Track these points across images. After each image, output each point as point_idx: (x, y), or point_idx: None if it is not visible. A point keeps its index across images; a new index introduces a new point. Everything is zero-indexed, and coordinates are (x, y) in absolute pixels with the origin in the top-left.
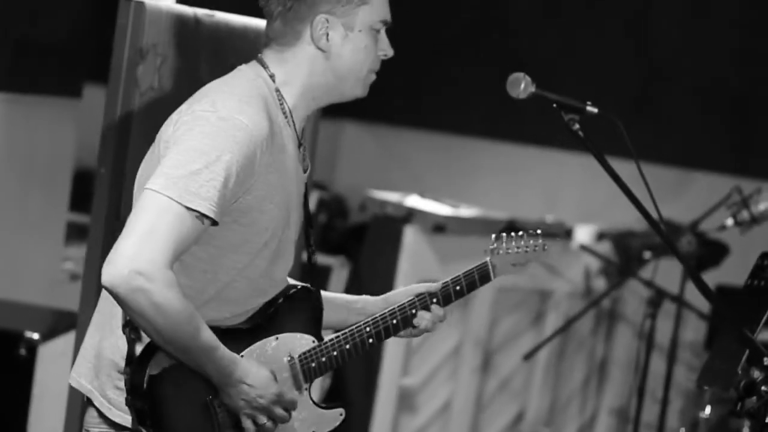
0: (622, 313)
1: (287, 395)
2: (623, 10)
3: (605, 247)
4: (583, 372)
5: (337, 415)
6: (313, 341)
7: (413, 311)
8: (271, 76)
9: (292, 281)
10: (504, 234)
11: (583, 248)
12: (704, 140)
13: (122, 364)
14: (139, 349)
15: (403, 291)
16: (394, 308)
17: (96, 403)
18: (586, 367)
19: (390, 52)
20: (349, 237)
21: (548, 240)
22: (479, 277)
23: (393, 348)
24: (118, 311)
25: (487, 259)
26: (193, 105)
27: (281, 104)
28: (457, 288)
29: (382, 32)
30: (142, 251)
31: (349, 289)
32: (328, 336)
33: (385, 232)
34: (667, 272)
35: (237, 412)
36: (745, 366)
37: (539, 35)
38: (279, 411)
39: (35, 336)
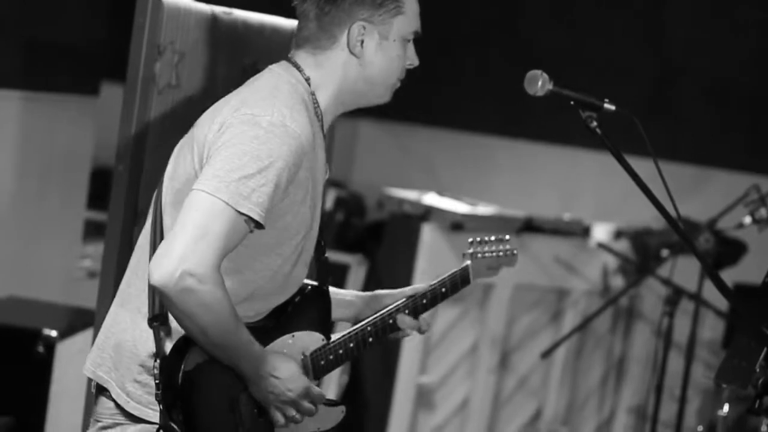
0: (639, 311)
1: (314, 389)
2: (638, 8)
3: (623, 245)
4: (601, 370)
5: (339, 412)
6: (323, 339)
7: (406, 311)
8: (307, 80)
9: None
10: (479, 238)
11: (601, 246)
12: (721, 138)
13: (144, 358)
14: (168, 344)
15: (398, 291)
16: (391, 309)
17: (113, 394)
18: (604, 366)
19: (416, 62)
20: (367, 235)
21: (515, 245)
22: (461, 280)
23: (410, 346)
24: (143, 305)
25: (468, 263)
26: (242, 107)
27: (316, 108)
28: (443, 290)
29: (411, 44)
30: (193, 252)
31: (367, 287)
32: (335, 335)
33: (403, 230)
34: (685, 270)
35: (266, 405)
36: (763, 364)
37: (555, 34)
38: (306, 404)
39: (53, 333)
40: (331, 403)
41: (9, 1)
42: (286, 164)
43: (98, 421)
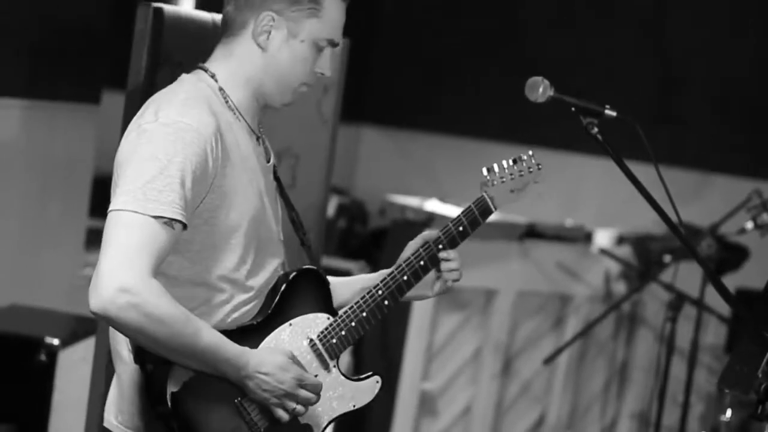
0: (642, 316)
1: (308, 377)
2: (640, 14)
3: (625, 251)
4: (604, 376)
5: (374, 383)
6: (328, 318)
7: (421, 263)
8: (213, 76)
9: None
10: (495, 165)
11: (603, 252)
12: (723, 143)
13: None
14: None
15: (404, 252)
16: (401, 265)
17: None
18: (607, 371)
19: (328, 74)
20: (369, 242)
21: (538, 159)
22: (480, 212)
23: (413, 352)
24: (123, 340)
25: (483, 193)
26: (137, 120)
27: (226, 101)
28: (460, 228)
29: (327, 51)
30: (120, 268)
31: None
32: (342, 310)
33: (406, 236)
34: (687, 276)
35: (265, 405)
36: (766, 369)
37: (556, 40)
38: (304, 393)
39: (55, 342)
40: (362, 378)
41: (11, 9)
42: (186, 157)
43: None
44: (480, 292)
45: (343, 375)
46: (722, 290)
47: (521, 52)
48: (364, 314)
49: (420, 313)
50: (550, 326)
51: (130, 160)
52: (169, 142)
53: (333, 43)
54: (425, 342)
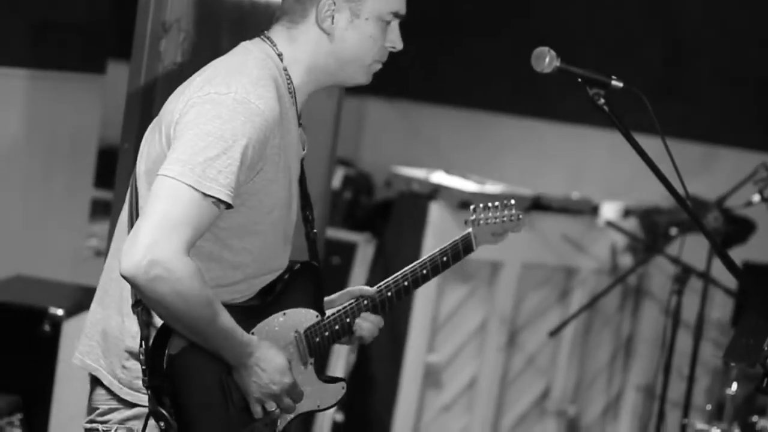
0: (648, 289)
1: (298, 386)
2: None
3: (631, 224)
4: (609, 349)
5: (339, 388)
6: (317, 316)
7: (405, 283)
8: (279, 55)
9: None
10: (482, 205)
11: (609, 225)
12: (730, 116)
13: (131, 344)
14: (153, 329)
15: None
16: (389, 281)
17: (105, 382)
18: (612, 344)
19: (399, 46)
20: (375, 213)
21: (521, 210)
22: (463, 247)
23: (418, 324)
24: (126, 290)
25: (470, 230)
26: (205, 86)
27: (288, 84)
28: (444, 259)
29: (394, 24)
30: (160, 240)
31: (375, 265)
32: (330, 311)
33: (411, 208)
34: (694, 249)
35: (247, 395)
36: None
37: (563, 12)
38: (287, 400)
39: (60, 312)
40: (330, 380)
41: None
42: (250, 142)
43: (96, 409)
44: (485, 264)
45: (316, 374)
46: (729, 263)
47: (528, 23)
48: (348, 320)
49: (425, 285)
50: (556, 299)
51: (194, 127)
52: (239, 122)
53: (398, 15)
54: (430, 314)
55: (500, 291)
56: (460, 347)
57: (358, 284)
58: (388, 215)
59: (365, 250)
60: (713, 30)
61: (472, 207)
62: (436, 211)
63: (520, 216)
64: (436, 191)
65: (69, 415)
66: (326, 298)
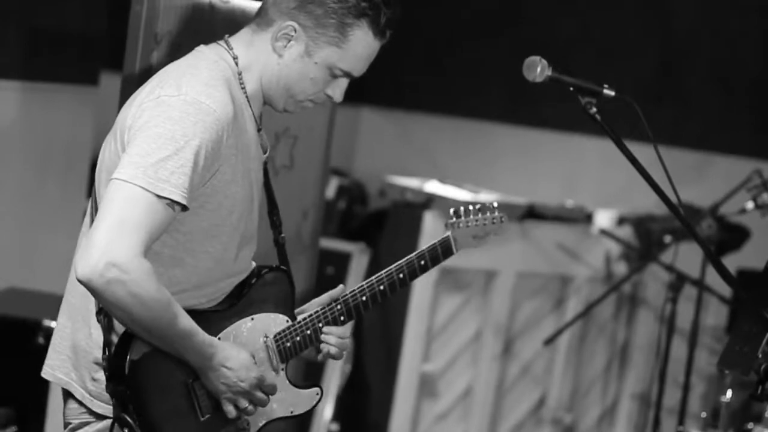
0: (642, 297)
1: (267, 379)
2: None
3: (625, 232)
4: (605, 357)
5: (313, 394)
6: (287, 321)
7: (381, 287)
8: (235, 59)
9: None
10: (462, 208)
11: (604, 233)
12: (724, 123)
13: (99, 355)
14: (115, 335)
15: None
16: (363, 285)
17: (77, 395)
18: (608, 352)
19: (337, 100)
20: (369, 223)
21: (505, 213)
22: (442, 251)
23: (413, 334)
24: (92, 302)
25: (449, 233)
26: (156, 89)
27: (242, 87)
28: (422, 263)
29: (342, 80)
30: (114, 242)
31: (370, 275)
32: (301, 316)
33: (405, 218)
34: (688, 256)
35: (217, 396)
36: (766, 349)
37: (557, 20)
38: (259, 395)
39: (53, 324)
40: (304, 386)
41: None
42: (202, 142)
43: (68, 423)
44: (480, 273)
45: (289, 380)
46: (722, 270)
47: (522, 32)
48: (320, 325)
49: (420, 294)
50: (551, 307)
51: (145, 129)
52: (189, 123)
53: (349, 75)
54: (425, 323)
55: (495, 300)
56: (456, 356)
57: None
58: (382, 225)
59: (359, 260)
60: (707, 36)
61: (452, 210)
62: (430, 221)
63: (503, 218)
64: (430, 201)
65: (62, 428)
66: (297, 309)
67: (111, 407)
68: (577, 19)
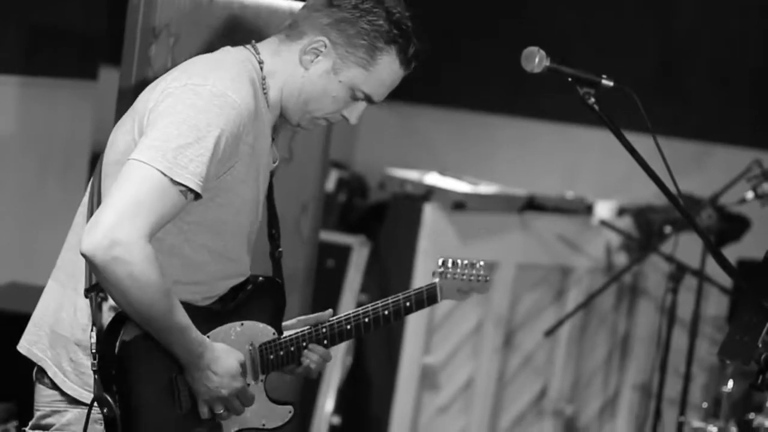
0: (643, 288)
1: (248, 391)
2: None
3: (626, 223)
4: (606, 348)
5: (286, 412)
6: (274, 333)
7: (366, 320)
8: (260, 63)
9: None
10: (451, 260)
11: (604, 224)
12: (723, 114)
13: (80, 336)
14: (105, 315)
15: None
16: (349, 314)
17: (49, 373)
18: (609, 343)
19: (352, 122)
20: (369, 216)
21: (489, 272)
22: (427, 296)
23: (414, 326)
24: (80, 283)
25: (437, 280)
26: (182, 76)
27: (265, 92)
28: (407, 304)
29: (361, 103)
30: (123, 221)
31: (370, 267)
32: (287, 332)
33: (405, 210)
34: (689, 246)
35: (196, 396)
36: (766, 339)
37: (558, 12)
38: (236, 404)
39: None
40: (279, 402)
41: None
42: (223, 133)
43: (37, 411)
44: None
45: (266, 392)
46: (721, 261)
47: (522, 24)
48: (304, 344)
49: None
50: (551, 298)
51: (169, 115)
52: (214, 113)
53: (369, 99)
54: (426, 316)
55: (496, 291)
56: (457, 348)
57: (353, 287)
58: (382, 217)
59: (360, 252)
60: (706, 28)
61: (440, 260)
62: (430, 213)
63: (487, 278)
64: (430, 192)
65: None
66: (283, 323)
67: (82, 390)
68: (577, 12)
